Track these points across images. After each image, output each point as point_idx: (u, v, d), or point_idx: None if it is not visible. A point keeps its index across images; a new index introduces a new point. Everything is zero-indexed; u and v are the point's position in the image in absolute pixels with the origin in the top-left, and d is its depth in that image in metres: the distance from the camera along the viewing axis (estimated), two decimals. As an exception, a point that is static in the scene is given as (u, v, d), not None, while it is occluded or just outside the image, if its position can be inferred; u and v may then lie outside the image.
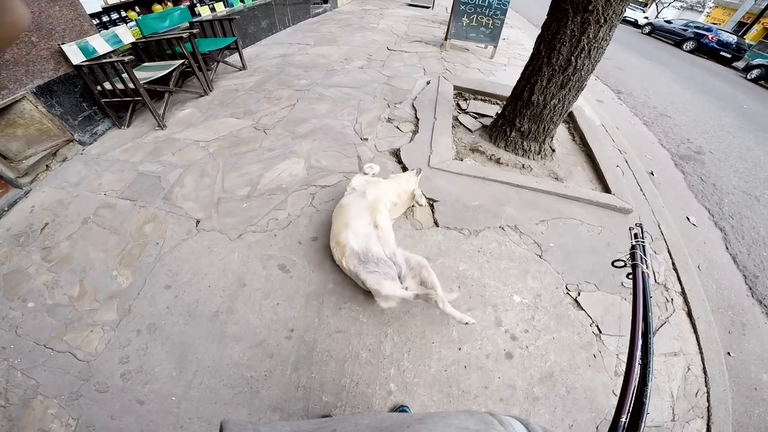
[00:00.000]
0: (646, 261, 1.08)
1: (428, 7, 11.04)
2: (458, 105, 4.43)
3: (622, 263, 1.10)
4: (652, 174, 3.89)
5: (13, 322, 1.84)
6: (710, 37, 14.18)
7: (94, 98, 3.16)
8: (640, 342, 0.85)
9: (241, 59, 4.87)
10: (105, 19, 3.48)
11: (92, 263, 2.15)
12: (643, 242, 1.14)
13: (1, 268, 2.09)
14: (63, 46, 2.82)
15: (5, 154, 2.59)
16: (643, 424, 0.69)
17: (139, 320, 1.90)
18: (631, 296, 0.96)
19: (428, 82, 4.87)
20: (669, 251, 2.71)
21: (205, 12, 4.85)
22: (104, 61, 2.94)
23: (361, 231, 1.95)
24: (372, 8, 10.36)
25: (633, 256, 1.10)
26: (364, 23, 8.28)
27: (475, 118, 4.13)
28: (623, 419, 0.70)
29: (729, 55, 13.80)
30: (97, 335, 1.82)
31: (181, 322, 1.90)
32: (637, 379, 0.77)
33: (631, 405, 0.73)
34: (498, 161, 3.40)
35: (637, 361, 0.80)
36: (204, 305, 1.98)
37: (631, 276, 1.05)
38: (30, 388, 1.62)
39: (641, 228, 1.21)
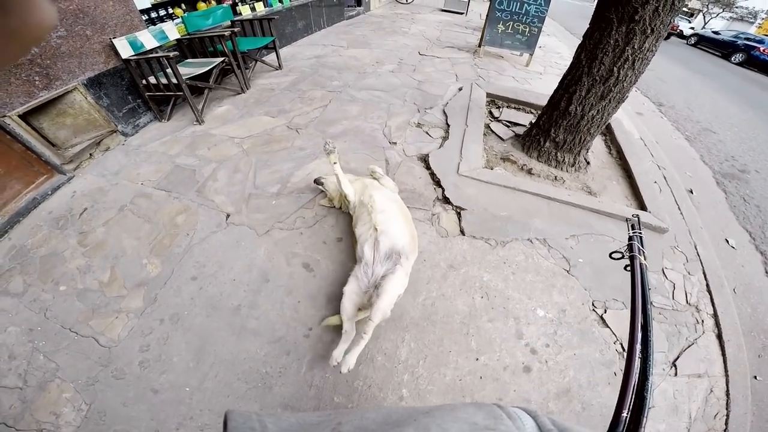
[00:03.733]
0: (643, 252, 1.04)
1: (462, 13, 10.90)
2: (490, 113, 4.35)
3: (619, 255, 1.06)
4: (692, 192, 3.68)
5: (43, 305, 1.92)
6: (762, 49, 13.34)
7: (138, 91, 3.31)
8: (639, 335, 0.81)
9: (277, 59, 4.98)
10: (153, 15, 3.63)
11: (124, 250, 2.24)
12: (640, 233, 1.10)
13: (39, 250, 2.21)
14: (114, 40, 2.96)
15: (54, 141, 2.74)
16: (644, 420, 0.66)
17: (164, 309, 1.95)
18: (637, 292, 0.92)
19: (460, 89, 4.81)
20: (704, 273, 2.55)
21: (245, 11, 5.00)
22: (151, 56, 3.07)
23: (362, 236, 1.95)
24: (404, 12, 10.39)
25: (630, 247, 1.07)
26: (396, 27, 8.32)
27: (508, 126, 4.05)
28: (624, 414, 0.68)
29: (782, 69, 12.93)
30: (121, 322, 1.88)
31: (204, 314, 1.94)
32: (638, 374, 0.74)
33: (632, 400, 0.70)
34: (529, 172, 3.31)
35: (637, 355, 0.77)
36: (227, 298, 2.02)
37: (629, 268, 1.01)
38: (50, 371, 1.67)
39: (638, 219, 1.17)
